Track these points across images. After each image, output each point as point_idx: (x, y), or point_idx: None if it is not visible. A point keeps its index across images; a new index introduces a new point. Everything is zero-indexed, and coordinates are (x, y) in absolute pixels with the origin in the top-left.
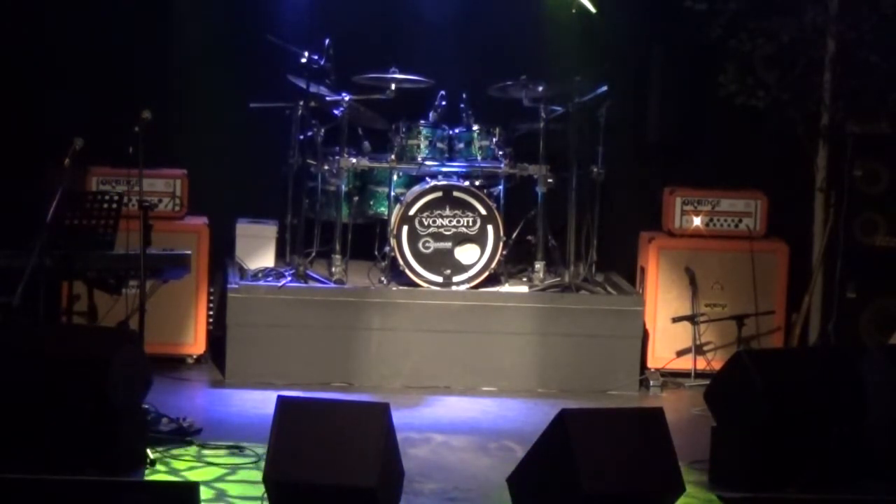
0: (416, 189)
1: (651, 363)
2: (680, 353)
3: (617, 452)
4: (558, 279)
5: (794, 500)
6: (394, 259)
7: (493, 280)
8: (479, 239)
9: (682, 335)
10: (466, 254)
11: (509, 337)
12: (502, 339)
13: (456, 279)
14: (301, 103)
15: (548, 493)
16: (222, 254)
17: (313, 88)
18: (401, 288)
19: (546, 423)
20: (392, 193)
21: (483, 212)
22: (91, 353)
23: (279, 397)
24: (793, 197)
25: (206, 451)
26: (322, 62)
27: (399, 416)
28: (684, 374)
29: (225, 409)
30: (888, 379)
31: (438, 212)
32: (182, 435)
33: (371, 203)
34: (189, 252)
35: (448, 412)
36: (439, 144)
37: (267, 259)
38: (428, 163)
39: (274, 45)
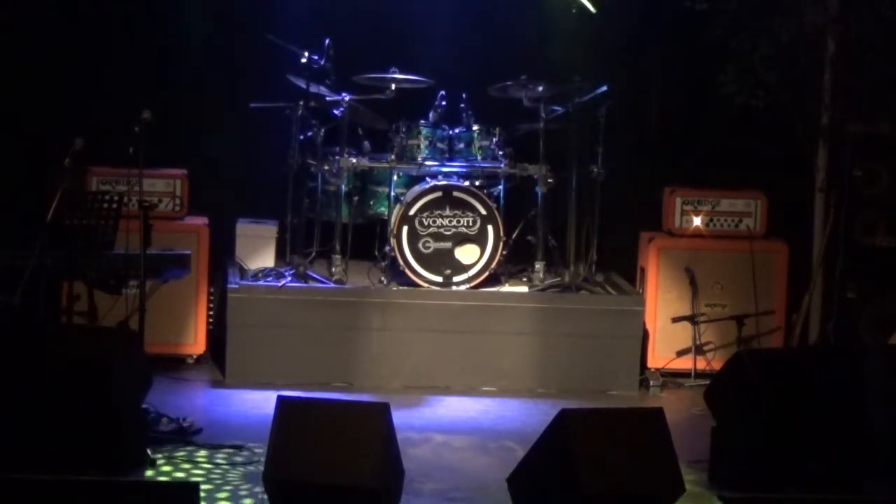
0: (416, 189)
1: (651, 363)
2: (680, 353)
3: (617, 452)
4: (558, 279)
5: (794, 500)
6: (394, 259)
7: (493, 280)
8: (479, 239)
9: (682, 335)
10: (466, 254)
11: (509, 337)
12: (502, 339)
13: (456, 279)
14: (301, 103)
15: (548, 493)
16: (222, 254)
17: (313, 88)
18: (401, 288)
19: (546, 423)
20: (392, 193)
21: (483, 212)
22: (91, 353)
23: (279, 397)
24: (793, 197)
25: (206, 451)
26: (322, 62)
27: (399, 416)
28: (684, 374)
29: (225, 409)
30: (888, 379)
31: (438, 212)
32: (182, 435)
33: (371, 203)
34: (189, 252)
35: (448, 412)
36: (439, 144)
37: (267, 259)
38: (428, 163)
39: (274, 45)
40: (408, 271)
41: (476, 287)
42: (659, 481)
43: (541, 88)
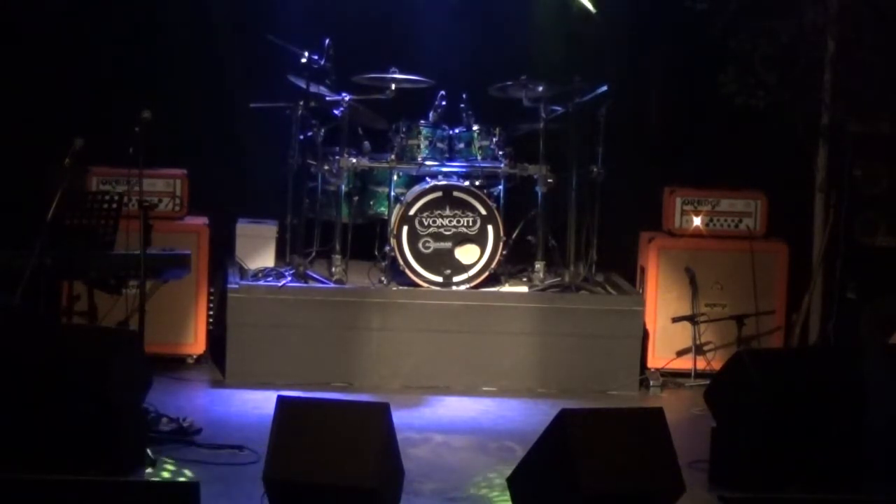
0: (416, 189)
1: (651, 363)
2: (680, 353)
3: (617, 452)
4: (558, 279)
5: (794, 500)
6: (394, 259)
7: (493, 280)
8: (479, 239)
9: (682, 335)
10: (466, 254)
11: (509, 337)
12: (502, 339)
13: (456, 279)
14: (301, 103)
15: (548, 493)
16: (222, 254)
17: (313, 88)
18: (401, 288)
19: (546, 423)
20: (392, 193)
21: (483, 212)
22: (91, 353)
23: (279, 397)
24: (793, 197)
25: (206, 451)
26: (322, 62)
27: (399, 416)
28: (684, 374)
29: (225, 409)
30: (888, 379)
31: (438, 212)
32: (182, 435)
33: (371, 203)
34: (189, 252)
35: (448, 412)
36: (439, 144)
37: (267, 259)
38: (428, 163)
39: (274, 45)
40: (408, 271)
41: (476, 287)
42: (659, 481)
43: (541, 88)
